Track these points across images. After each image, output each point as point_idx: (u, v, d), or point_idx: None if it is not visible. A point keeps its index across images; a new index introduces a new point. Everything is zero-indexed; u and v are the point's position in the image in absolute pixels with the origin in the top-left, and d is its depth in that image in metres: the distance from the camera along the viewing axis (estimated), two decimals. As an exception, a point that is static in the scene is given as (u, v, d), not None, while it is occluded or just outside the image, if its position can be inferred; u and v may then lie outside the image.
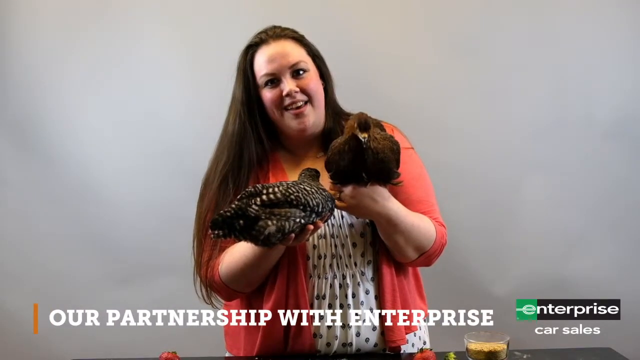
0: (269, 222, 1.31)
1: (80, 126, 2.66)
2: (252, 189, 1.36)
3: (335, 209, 1.50)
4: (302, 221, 1.36)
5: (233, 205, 1.33)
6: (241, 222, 1.31)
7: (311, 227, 1.39)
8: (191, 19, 2.63)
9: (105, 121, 2.66)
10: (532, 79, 2.62)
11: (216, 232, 1.31)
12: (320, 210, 1.39)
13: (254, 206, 1.32)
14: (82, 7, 2.62)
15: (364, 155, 1.42)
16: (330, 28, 2.48)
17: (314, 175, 1.51)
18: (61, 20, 2.63)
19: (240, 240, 1.34)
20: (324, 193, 1.43)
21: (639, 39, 2.62)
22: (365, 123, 1.40)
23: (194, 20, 2.63)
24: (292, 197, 1.35)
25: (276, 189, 1.35)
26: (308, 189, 1.39)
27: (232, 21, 2.57)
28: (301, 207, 1.36)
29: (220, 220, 1.30)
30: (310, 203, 1.37)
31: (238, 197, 1.37)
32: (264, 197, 1.34)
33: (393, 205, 1.51)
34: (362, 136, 1.40)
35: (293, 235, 1.37)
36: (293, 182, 1.42)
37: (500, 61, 2.62)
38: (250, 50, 1.62)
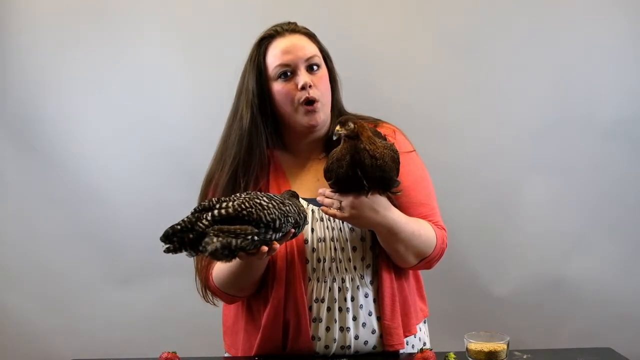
0: (214, 239, 1.27)
1: (80, 126, 2.65)
2: (207, 203, 1.34)
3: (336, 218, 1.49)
4: (256, 237, 1.32)
5: (185, 219, 1.31)
6: (191, 235, 1.29)
7: (265, 248, 1.34)
8: (191, 20, 2.63)
9: (105, 121, 2.66)
10: (532, 79, 2.61)
11: (167, 245, 1.29)
12: (277, 226, 1.34)
13: (204, 221, 1.29)
14: (82, 7, 2.62)
15: (361, 158, 1.41)
16: (330, 28, 2.45)
17: (292, 195, 1.47)
18: (61, 20, 2.62)
19: (192, 255, 1.32)
20: (284, 208, 1.36)
21: (639, 39, 2.62)
22: (343, 121, 1.42)
23: (194, 20, 2.62)
24: (244, 212, 1.31)
25: (229, 204, 1.32)
26: (264, 203, 1.34)
27: (232, 21, 2.57)
28: (254, 224, 1.32)
29: (170, 232, 1.29)
30: (264, 219, 1.32)
31: (192, 210, 1.34)
32: (216, 212, 1.31)
33: (393, 215, 1.50)
34: (336, 129, 1.42)
35: (243, 252, 1.32)
36: (250, 195, 1.36)
37: (500, 61, 2.62)
38: (264, 42, 1.59)
